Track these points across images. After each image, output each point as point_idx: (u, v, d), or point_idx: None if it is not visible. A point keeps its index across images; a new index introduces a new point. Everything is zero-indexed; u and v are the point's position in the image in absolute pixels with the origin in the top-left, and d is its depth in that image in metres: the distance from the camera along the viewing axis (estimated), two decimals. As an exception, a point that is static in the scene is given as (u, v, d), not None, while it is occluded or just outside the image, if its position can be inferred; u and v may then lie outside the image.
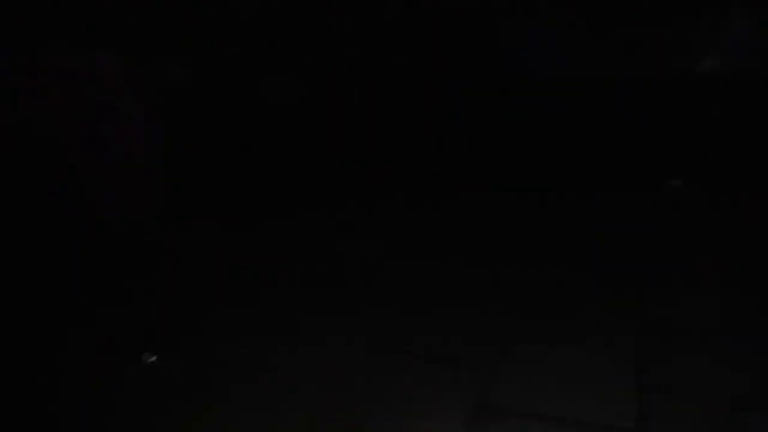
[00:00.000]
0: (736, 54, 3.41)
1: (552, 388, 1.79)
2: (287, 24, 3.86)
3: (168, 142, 3.42)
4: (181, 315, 2.40)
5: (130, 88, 3.14)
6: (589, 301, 2.31)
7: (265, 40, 3.86)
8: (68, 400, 1.86)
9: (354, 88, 3.97)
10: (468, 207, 3.45)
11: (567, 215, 3.19)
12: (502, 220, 3.23)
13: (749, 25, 3.41)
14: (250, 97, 3.91)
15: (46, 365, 2.06)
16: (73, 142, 2.83)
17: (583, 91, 3.68)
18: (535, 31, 3.74)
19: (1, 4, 2.83)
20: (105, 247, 2.89)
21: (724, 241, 2.75)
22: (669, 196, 3.29)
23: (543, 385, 1.81)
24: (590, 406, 1.71)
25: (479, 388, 1.80)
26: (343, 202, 3.61)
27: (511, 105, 3.85)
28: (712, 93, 3.49)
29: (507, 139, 3.86)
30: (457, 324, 2.19)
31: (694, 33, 3.46)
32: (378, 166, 3.91)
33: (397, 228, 3.21)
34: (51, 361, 2.09)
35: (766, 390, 1.78)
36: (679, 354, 1.96)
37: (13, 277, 2.54)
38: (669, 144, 3.58)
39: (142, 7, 3.43)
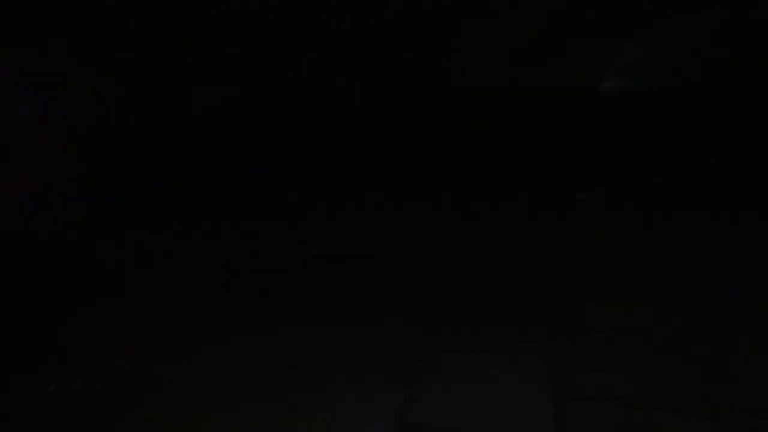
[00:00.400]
0: (634, 72, 3.70)
1: (471, 400, 1.80)
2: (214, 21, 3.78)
3: (96, 145, 3.24)
4: (102, 334, 2.30)
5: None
6: (505, 309, 2.32)
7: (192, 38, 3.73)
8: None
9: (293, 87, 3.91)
10: (382, 215, 3.44)
11: (483, 224, 3.23)
12: (428, 229, 3.23)
13: (644, 47, 3.68)
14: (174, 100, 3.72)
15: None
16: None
17: (495, 102, 3.86)
18: (457, 43, 3.90)
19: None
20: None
21: (629, 247, 2.83)
22: (575, 208, 3.44)
23: (462, 397, 1.81)
24: (509, 416, 1.74)
25: (399, 405, 1.79)
26: (287, 207, 3.54)
27: (424, 113, 3.97)
28: (614, 108, 3.74)
29: (425, 148, 3.97)
30: (381, 337, 2.16)
31: (598, 53, 3.74)
32: (317, 173, 3.89)
33: (336, 235, 3.13)
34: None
35: (679, 390, 1.82)
36: (592, 358, 1.99)
37: None
38: (575, 158, 3.79)
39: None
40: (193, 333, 2.24)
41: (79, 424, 1.81)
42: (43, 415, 1.86)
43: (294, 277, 2.66)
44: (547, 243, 2.94)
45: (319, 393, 1.86)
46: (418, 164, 3.93)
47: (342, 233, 3.18)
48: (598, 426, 1.68)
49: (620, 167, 3.69)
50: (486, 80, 3.81)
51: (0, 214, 2.79)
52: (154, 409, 1.82)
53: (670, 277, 2.52)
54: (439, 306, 2.37)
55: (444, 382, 1.89)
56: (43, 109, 2.98)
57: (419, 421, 1.70)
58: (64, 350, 2.19)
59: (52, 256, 2.87)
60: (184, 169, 3.67)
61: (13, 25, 2.90)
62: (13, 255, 2.76)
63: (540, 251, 2.85)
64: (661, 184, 3.54)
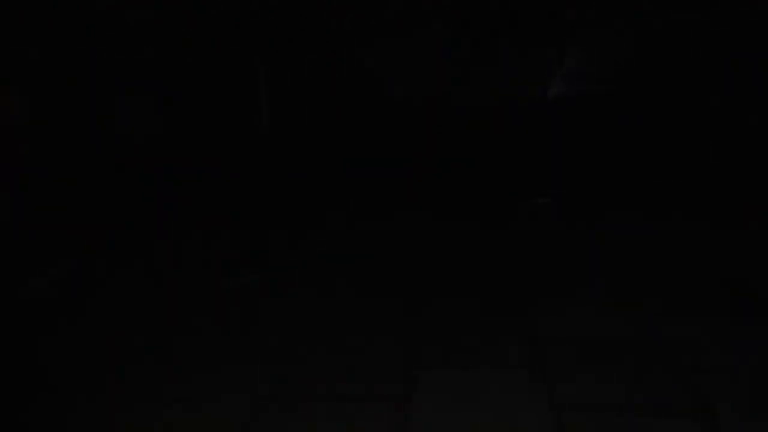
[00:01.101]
0: (576, 79, 3.78)
1: (468, 415, 1.78)
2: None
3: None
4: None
5: None
6: (482, 320, 2.25)
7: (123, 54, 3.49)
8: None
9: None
10: (332, 234, 3.37)
11: (442, 236, 3.20)
12: (379, 245, 3.15)
13: (584, 55, 3.77)
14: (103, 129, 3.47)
15: None
16: None
17: (443, 115, 3.89)
18: (398, 54, 3.93)
19: None
20: None
21: (589, 253, 2.84)
22: (536, 213, 3.46)
23: (458, 413, 1.73)
24: (507, 428, 1.70)
25: (394, 426, 1.74)
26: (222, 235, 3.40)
27: (375, 127, 4.00)
28: (562, 114, 3.81)
29: (372, 161, 4.00)
30: (359, 359, 2.04)
31: (540, 63, 3.80)
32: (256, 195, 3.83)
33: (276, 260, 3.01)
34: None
35: (663, 392, 1.82)
36: (576, 365, 1.94)
37: None
38: (533, 163, 3.84)
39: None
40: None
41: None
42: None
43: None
44: (514, 250, 2.94)
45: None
46: (371, 178, 3.93)
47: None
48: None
49: (576, 171, 3.76)
50: (435, 92, 3.86)
51: None
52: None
53: (626, 281, 2.53)
54: (417, 321, 2.30)
55: (436, 397, 1.83)
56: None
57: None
58: None
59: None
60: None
61: None
62: None
63: (509, 258, 2.84)
64: (620, 185, 3.65)
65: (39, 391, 1.97)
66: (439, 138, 3.95)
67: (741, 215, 3.16)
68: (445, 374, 1.93)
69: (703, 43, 3.59)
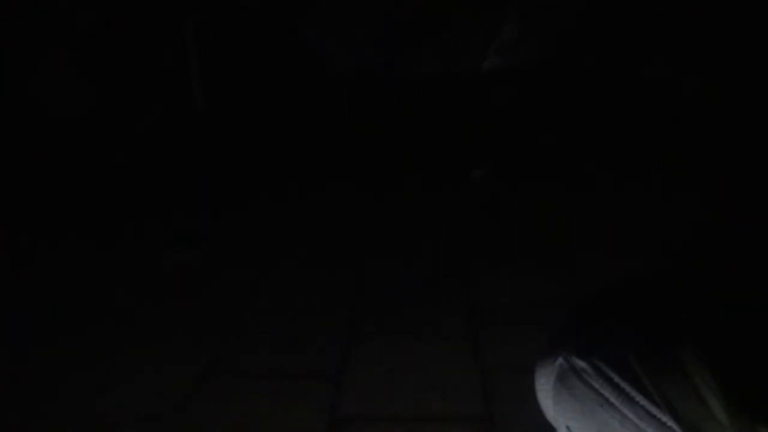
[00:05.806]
0: (511, 53, 3.84)
1: (400, 387, 1.70)
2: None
3: None
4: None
5: None
6: (420, 290, 2.25)
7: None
8: None
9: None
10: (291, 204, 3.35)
11: (383, 209, 3.22)
12: (329, 216, 3.12)
13: (518, 29, 3.84)
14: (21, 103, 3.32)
15: None
16: None
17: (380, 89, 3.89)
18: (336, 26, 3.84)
19: None
20: None
21: (527, 222, 2.90)
22: (474, 185, 3.50)
23: (390, 385, 1.70)
24: (438, 398, 1.70)
25: (330, 399, 1.63)
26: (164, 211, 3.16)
27: (319, 102, 3.93)
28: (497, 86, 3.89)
29: (317, 138, 3.92)
30: (293, 334, 1.97)
31: (474, 36, 3.76)
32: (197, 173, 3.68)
33: (222, 235, 2.89)
34: None
35: None
36: (510, 331, 1.92)
37: None
38: (469, 136, 3.85)
39: None
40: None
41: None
42: None
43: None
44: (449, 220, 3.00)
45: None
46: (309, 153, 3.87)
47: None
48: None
49: (509, 143, 3.78)
50: (369, 66, 3.82)
51: None
52: None
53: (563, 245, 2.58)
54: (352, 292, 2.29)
55: (365, 371, 1.78)
56: None
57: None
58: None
59: None
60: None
61: None
62: None
63: (446, 229, 2.88)
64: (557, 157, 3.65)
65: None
66: (379, 112, 3.92)
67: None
68: (383, 346, 1.92)
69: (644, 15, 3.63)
